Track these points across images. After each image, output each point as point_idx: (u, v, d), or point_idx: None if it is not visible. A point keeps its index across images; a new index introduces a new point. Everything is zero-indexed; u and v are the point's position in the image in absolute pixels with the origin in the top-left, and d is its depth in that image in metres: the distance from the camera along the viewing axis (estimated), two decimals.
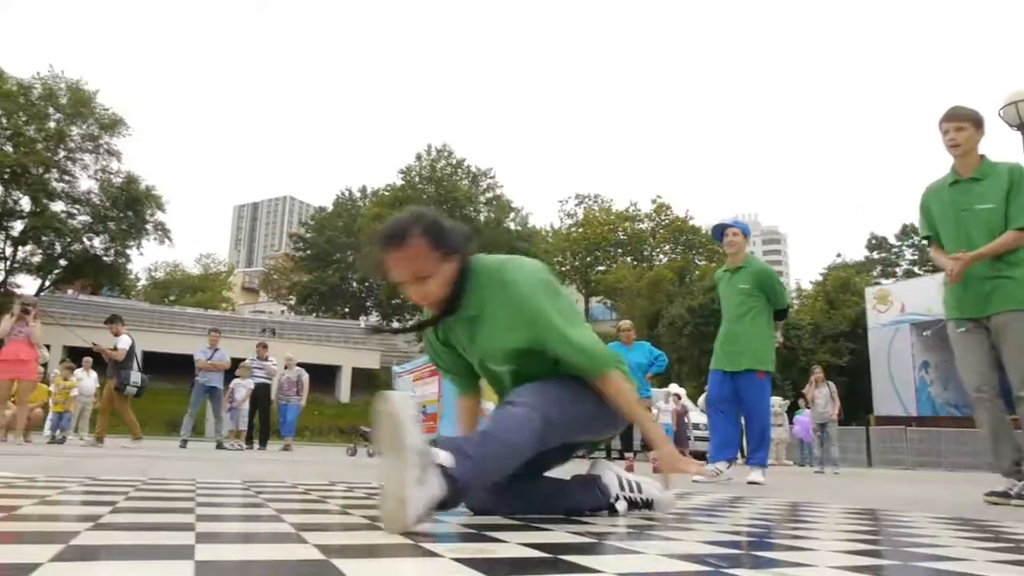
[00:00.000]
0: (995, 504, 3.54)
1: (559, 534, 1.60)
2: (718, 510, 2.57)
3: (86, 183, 38.90)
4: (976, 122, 3.81)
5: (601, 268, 58.01)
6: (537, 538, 1.50)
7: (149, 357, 34.62)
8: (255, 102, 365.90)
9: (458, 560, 1.16)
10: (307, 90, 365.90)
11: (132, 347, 9.56)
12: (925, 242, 4.16)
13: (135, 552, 1.17)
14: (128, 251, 40.67)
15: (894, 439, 23.36)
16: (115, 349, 9.30)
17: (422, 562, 1.17)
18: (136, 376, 9.63)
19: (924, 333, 27.16)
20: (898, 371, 28.56)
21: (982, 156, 3.84)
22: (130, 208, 38.78)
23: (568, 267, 59.24)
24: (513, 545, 1.38)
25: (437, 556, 1.21)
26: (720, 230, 5.61)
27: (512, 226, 50.51)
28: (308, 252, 55.85)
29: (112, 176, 38.88)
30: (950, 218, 3.88)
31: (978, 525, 2.28)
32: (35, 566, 0.96)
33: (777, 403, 17.53)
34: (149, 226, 40.09)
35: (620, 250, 59.06)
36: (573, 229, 60.14)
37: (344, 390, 39.57)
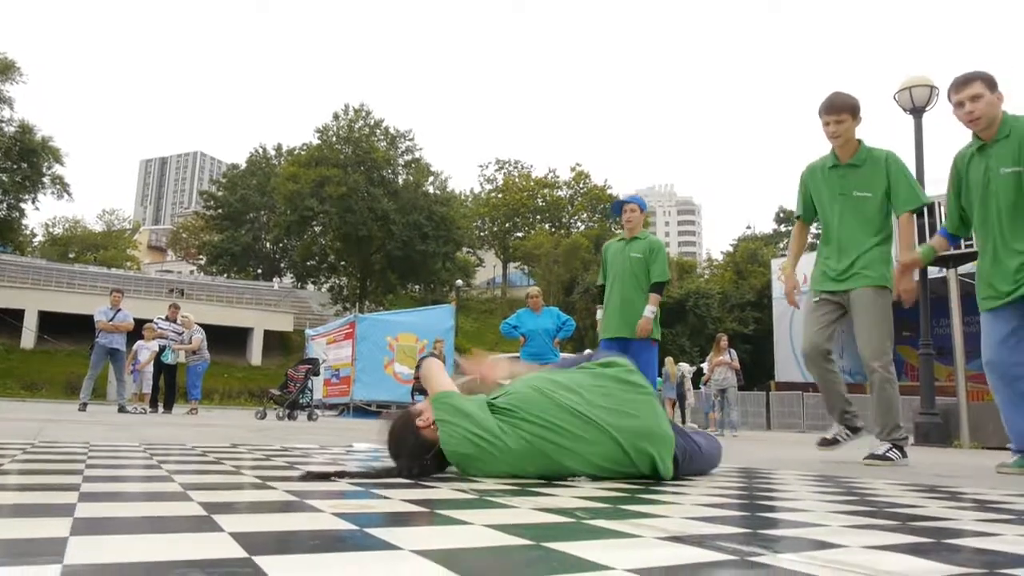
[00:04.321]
0: (826, 449, 4.13)
1: (443, 489, 1.68)
2: None
3: None
4: (853, 111, 4.03)
5: (519, 234, 58.36)
6: (419, 494, 1.58)
7: (47, 317, 33.35)
8: (162, 49, 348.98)
9: (337, 515, 1.22)
10: (219, 39, 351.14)
11: None
12: (797, 219, 4.47)
13: (14, 511, 1.19)
14: (22, 205, 38.49)
15: (792, 404, 24.59)
16: None
17: (300, 516, 1.23)
18: None
19: None
20: (799, 339, 29.89)
21: (859, 141, 4.08)
22: (24, 159, 36.64)
23: (487, 232, 59.36)
24: (398, 502, 1.45)
25: (319, 512, 1.27)
26: (619, 206, 5.70)
27: (431, 189, 49.99)
28: (219, 211, 53.99)
29: (3, 124, 36.57)
30: (826, 200, 4.15)
31: (836, 481, 2.49)
32: None
33: (685, 369, 18.14)
34: (46, 179, 38.04)
35: (538, 216, 59.51)
36: (493, 194, 60.16)
37: (256, 353, 38.78)
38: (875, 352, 3.93)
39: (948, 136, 3.78)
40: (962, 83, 3.53)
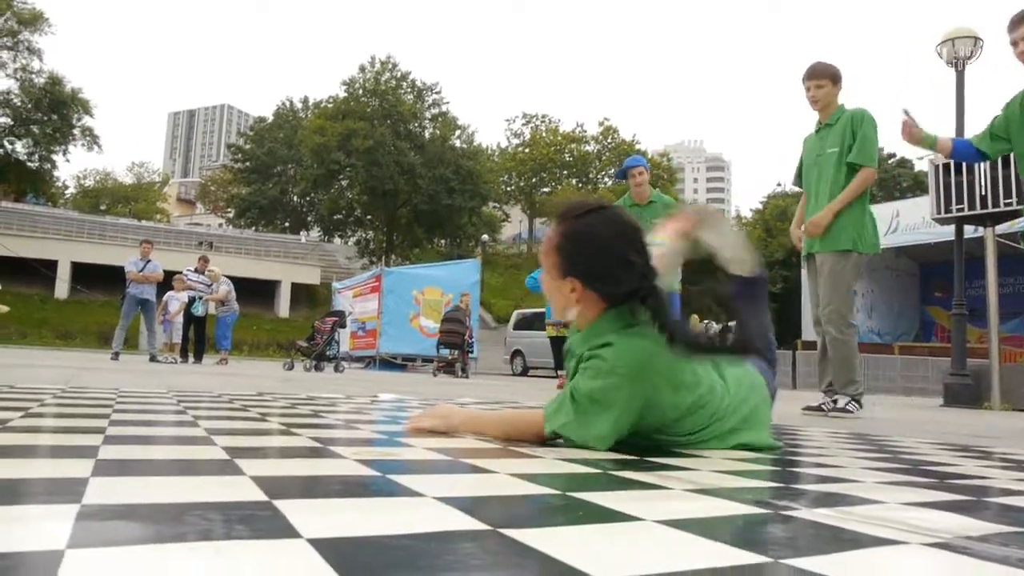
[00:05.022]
0: (810, 415, 4.11)
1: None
2: None
3: (4, 82, 36.77)
4: (833, 78, 4.25)
5: (546, 189, 57.92)
6: (444, 443, 1.56)
7: (80, 268, 33.87)
8: (190, 1, 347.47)
9: (360, 461, 1.21)
10: None
11: None
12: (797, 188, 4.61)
13: (39, 452, 1.19)
14: (54, 157, 38.88)
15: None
16: None
17: (323, 462, 1.22)
18: None
19: None
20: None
21: (840, 105, 4.27)
22: (54, 111, 36.88)
23: (513, 187, 59.01)
24: (421, 450, 1.44)
25: (342, 459, 1.26)
26: (624, 172, 5.77)
27: (458, 143, 49.66)
28: (247, 164, 54.12)
29: (34, 76, 36.79)
30: (811, 162, 4.37)
31: (866, 439, 2.44)
32: None
33: (712, 327, 18.03)
34: (76, 131, 38.29)
35: (566, 171, 58.94)
36: (519, 149, 59.61)
37: (283, 305, 39.22)
38: (829, 316, 4.13)
39: (994, 90, 3.64)
40: (1018, 21, 3.35)
